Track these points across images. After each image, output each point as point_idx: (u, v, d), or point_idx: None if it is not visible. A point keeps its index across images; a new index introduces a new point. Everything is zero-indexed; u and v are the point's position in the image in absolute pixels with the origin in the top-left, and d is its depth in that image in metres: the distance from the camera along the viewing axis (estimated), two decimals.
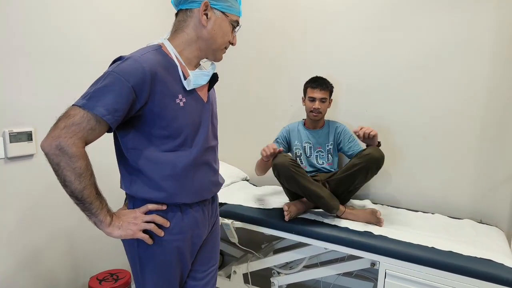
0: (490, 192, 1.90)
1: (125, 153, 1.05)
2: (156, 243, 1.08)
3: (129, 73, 0.94)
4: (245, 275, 2.03)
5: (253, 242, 2.29)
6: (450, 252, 1.50)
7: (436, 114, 1.98)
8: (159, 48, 1.05)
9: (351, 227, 1.70)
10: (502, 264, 1.42)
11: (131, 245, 1.11)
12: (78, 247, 1.88)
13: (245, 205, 1.95)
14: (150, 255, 1.10)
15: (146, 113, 1.00)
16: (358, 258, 1.72)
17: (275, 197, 2.11)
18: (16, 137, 1.54)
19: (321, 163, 2.04)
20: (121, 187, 1.12)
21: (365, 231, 1.66)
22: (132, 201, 1.10)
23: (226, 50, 1.15)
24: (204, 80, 1.11)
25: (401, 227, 1.72)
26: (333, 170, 2.03)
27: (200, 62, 1.17)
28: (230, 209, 1.94)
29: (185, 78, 1.06)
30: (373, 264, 1.70)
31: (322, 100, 1.96)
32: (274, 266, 2.03)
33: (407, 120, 2.05)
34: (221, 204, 2.01)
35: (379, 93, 2.11)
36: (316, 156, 2.05)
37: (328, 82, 2.00)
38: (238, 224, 1.89)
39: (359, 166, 1.72)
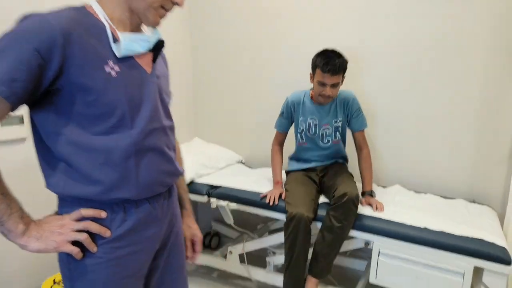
0: (484, 172, 1.92)
1: (45, 140, 0.83)
2: (90, 256, 0.84)
3: (31, 32, 0.73)
4: (241, 255, 2.05)
5: (248, 223, 2.31)
6: (442, 231, 1.53)
7: (434, 95, 1.97)
8: (81, 8, 0.83)
9: None
10: (493, 243, 1.45)
11: (61, 260, 0.87)
12: None
13: (240, 187, 1.96)
14: (82, 272, 0.85)
15: (65, 86, 0.78)
16: (352, 238, 1.75)
17: (271, 179, 2.12)
18: (7, 121, 1.52)
19: (326, 141, 1.91)
20: (46, 186, 0.86)
21: (359, 213, 1.68)
22: (61, 203, 0.87)
23: (168, 13, 0.89)
24: (143, 46, 0.88)
25: (394, 207, 1.74)
26: (332, 160, 1.97)
27: (146, 30, 0.95)
28: (225, 192, 1.95)
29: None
30: (367, 243, 1.73)
31: (334, 85, 1.74)
32: (270, 246, 2.06)
33: (403, 99, 2.05)
34: (216, 187, 2.02)
35: (375, 70, 2.09)
36: (322, 134, 1.89)
37: (341, 62, 1.72)
38: (233, 205, 1.90)
39: (343, 229, 1.64)
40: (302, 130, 1.92)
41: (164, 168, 0.93)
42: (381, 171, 2.17)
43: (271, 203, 1.75)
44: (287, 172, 2.02)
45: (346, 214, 1.61)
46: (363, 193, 1.82)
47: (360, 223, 1.63)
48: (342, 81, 1.79)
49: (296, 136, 1.97)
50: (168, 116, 0.98)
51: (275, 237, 1.94)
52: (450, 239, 1.49)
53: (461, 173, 1.98)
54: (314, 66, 1.76)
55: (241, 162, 2.55)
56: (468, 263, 1.45)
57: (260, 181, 2.05)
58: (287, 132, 2.00)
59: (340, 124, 1.88)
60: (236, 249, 2.05)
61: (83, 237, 0.81)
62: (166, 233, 0.99)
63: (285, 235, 1.70)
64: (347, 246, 1.84)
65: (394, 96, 2.07)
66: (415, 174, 2.09)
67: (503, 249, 1.42)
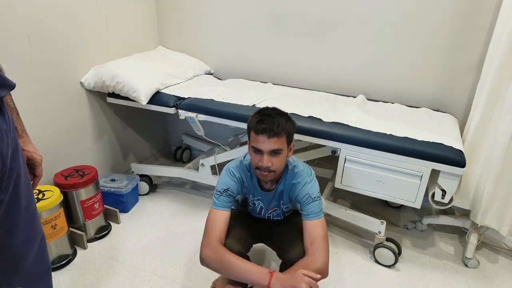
0: (450, 82, 1.95)
1: None
2: None
3: None
4: (212, 167, 2.09)
5: (220, 137, 2.31)
6: (406, 137, 1.59)
7: (404, 4, 1.87)
8: None
9: (314, 116, 1.72)
10: (451, 147, 1.53)
11: None
12: (40, 144, 1.81)
13: (209, 98, 1.89)
14: None
15: None
16: (321, 147, 1.80)
17: (241, 90, 2.06)
18: None
19: (273, 218, 1.51)
20: None
21: (325, 121, 1.69)
22: None
23: None
24: None
25: (362, 116, 1.76)
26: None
27: None
28: (193, 102, 1.89)
29: None
30: (334, 151, 1.78)
31: (274, 153, 1.23)
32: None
33: (378, 7, 1.94)
34: (184, 98, 1.95)
35: None
36: (269, 216, 1.50)
37: (283, 121, 1.23)
38: (203, 117, 1.86)
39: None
40: (252, 205, 1.48)
41: None
42: (350, 82, 2.15)
43: None
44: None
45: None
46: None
47: (328, 131, 1.66)
48: (290, 149, 1.31)
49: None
50: None
51: (246, 149, 1.96)
52: (412, 144, 1.55)
53: (428, 83, 2.00)
54: (248, 129, 1.28)
55: (210, 73, 2.44)
56: (426, 166, 1.54)
57: (229, 92, 1.99)
58: (230, 212, 1.35)
59: (287, 206, 1.46)
60: (208, 161, 2.08)
61: None
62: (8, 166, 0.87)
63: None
64: (315, 154, 1.89)
65: (368, 4, 1.95)
66: (382, 84, 2.09)
67: (459, 152, 1.51)
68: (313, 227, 1.28)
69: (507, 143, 1.56)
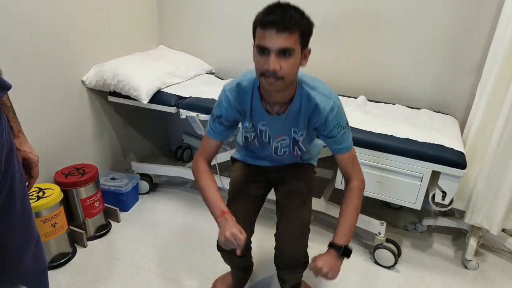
0: (451, 83, 1.95)
1: None
2: None
3: None
4: (213, 167, 2.08)
5: None
6: (407, 138, 1.59)
7: (405, 5, 1.87)
8: None
9: None
10: (452, 148, 1.53)
11: None
12: (41, 142, 1.81)
13: (211, 97, 1.89)
14: None
15: None
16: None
17: None
18: None
19: (281, 152, 1.31)
20: None
21: None
22: None
23: None
24: None
25: (363, 116, 1.76)
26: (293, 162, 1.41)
27: None
28: (194, 102, 1.89)
29: None
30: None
31: (283, 53, 0.99)
32: None
33: (378, 7, 1.94)
34: (185, 98, 1.95)
35: None
36: (276, 147, 1.29)
37: (297, 15, 0.99)
38: (204, 116, 1.86)
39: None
40: (253, 138, 1.31)
41: None
42: (352, 83, 2.15)
43: (238, 252, 1.12)
44: (233, 160, 1.54)
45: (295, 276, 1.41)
46: (330, 244, 1.16)
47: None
48: (303, 54, 1.05)
49: (241, 138, 1.38)
50: None
51: None
52: (413, 145, 1.55)
53: (428, 84, 1.99)
54: (254, 27, 1.03)
55: (211, 73, 2.44)
56: (427, 168, 1.54)
57: None
58: (222, 142, 1.29)
59: (302, 137, 1.24)
60: None
61: None
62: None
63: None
64: None
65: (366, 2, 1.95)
66: (383, 85, 2.09)
67: (460, 154, 1.51)
68: (347, 162, 1.20)
69: (497, 142, 1.56)
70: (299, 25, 0.98)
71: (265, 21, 0.97)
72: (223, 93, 1.22)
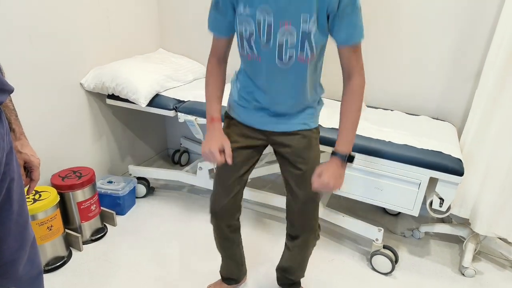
0: (449, 91, 1.96)
1: None
2: None
3: None
4: (210, 171, 2.08)
5: None
6: (405, 145, 1.59)
7: (406, 11, 1.89)
8: None
9: None
10: (450, 155, 1.53)
11: None
12: (38, 144, 1.80)
13: None
14: None
15: None
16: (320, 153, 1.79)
17: None
18: None
19: (286, 57, 1.06)
20: None
21: (324, 127, 1.69)
22: None
23: None
24: None
25: (362, 123, 1.76)
26: (292, 122, 1.23)
27: None
28: (193, 106, 1.89)
29: None
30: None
31: None
32: None
33: (377, 15, 1.95)
34: (184, 101, 1.95)
35: None
36: (280, 44, 1.03)
37: None
38: (202, 120, 1.86)
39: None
40: (250, 35, 1.05)
41: None
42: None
43: (214, 166, 1.07)
44: (225, 115, 1.32)
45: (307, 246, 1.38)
46: (333, 153, 1.11)
47: (328, 137, 1.66)
48: None
49: (237, 43, 1.13)
50: None
51: None
52: (411, 151, 1.56)
53: (427, 91, 2.00)
54: None
55: None
56: (425, 174, 1.54)
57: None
58: (229, 39, 1.17)
59: (314, 27, 1.00)
60: (206, 165, 2.07)
61: None
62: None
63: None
64: None
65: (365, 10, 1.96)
66: (382, 92, 2.09)
67: (458, 160, 1.51)
68: (351, 56, 1.05)
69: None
70: None
71: None
72: None
